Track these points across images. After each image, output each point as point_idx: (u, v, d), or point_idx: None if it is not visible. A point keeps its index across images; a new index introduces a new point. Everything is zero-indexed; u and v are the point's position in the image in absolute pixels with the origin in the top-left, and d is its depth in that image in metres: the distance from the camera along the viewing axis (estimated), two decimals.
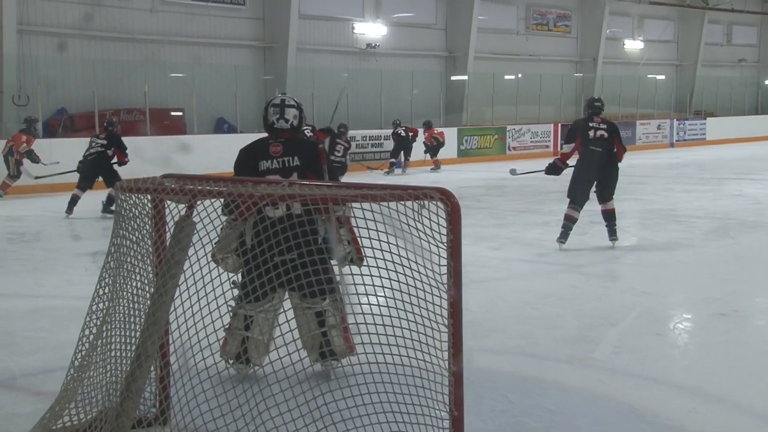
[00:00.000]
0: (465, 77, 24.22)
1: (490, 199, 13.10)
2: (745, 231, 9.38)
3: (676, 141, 27.52)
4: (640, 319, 5.66)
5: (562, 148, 8.55)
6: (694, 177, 16.97)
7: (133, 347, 3.28)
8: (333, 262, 4.18)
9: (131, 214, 3.38)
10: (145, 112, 17.14)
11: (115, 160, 11.45)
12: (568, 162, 8.41)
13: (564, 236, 8.24)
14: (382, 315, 3.20)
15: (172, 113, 18.16)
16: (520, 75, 25.68)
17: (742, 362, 4.70)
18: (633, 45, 30.64)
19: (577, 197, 8.21)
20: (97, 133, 12.44)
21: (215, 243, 3.74)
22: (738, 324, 5.64)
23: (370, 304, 3.16)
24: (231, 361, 4.17)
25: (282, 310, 4.13)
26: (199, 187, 3.28)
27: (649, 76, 29.94)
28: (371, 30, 22.77)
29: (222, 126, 19.46)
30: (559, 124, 24.32)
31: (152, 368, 3.31)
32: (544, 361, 4.71)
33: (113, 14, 18.17)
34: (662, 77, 30.88)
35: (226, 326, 3.93)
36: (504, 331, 5.34)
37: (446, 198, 3.00)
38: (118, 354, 3.37)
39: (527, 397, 4.09)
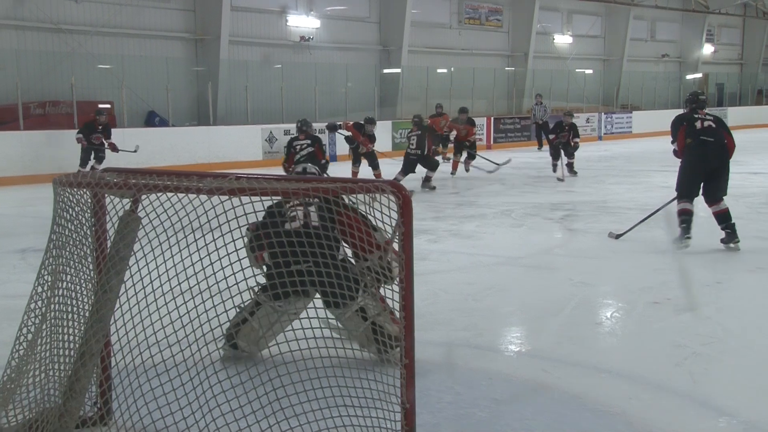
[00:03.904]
0: (398, 70, 24.28)
1: (426, 192, 13.17)
2: (674, 222, 9.63)
3: (604, 134, 28.14)
4: (579, 309, 5.77)
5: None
6: (624, 169, 17.39)
7: (75, 345, 3.19)
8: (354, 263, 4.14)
9: (71, 210, 3.28)
10: (73, 104, 16.71)
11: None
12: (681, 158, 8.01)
13: (687, 231, 7.70)
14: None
15: (101, 106, 17.68)
16: (453, 69, 25.89)
17: (678, 350, 4.83)
18: (562, 40, 31.21)
19: (686, 191, 7.83)
20: (296, 135, 11.94)
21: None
22: (671, 312, 5.80)
23: (321, 297, 3.14)
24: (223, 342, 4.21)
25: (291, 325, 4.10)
26: (143, 182, 3.20)
27: (578, 70, 30.55)
28: (304, 23, 22.60)
29: (153, 119, 19.04)
30: (492, 118, 24.65)
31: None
32: (488, 352, 4.77)
33: (37, 3, 17.59)
34: (590, 71, 31.55)
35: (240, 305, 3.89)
36: (448, 323, 5.38)
37: (398, 191, 3.01)
38: (60, 353, 3.26)
39: (474, 389, 4.13)
